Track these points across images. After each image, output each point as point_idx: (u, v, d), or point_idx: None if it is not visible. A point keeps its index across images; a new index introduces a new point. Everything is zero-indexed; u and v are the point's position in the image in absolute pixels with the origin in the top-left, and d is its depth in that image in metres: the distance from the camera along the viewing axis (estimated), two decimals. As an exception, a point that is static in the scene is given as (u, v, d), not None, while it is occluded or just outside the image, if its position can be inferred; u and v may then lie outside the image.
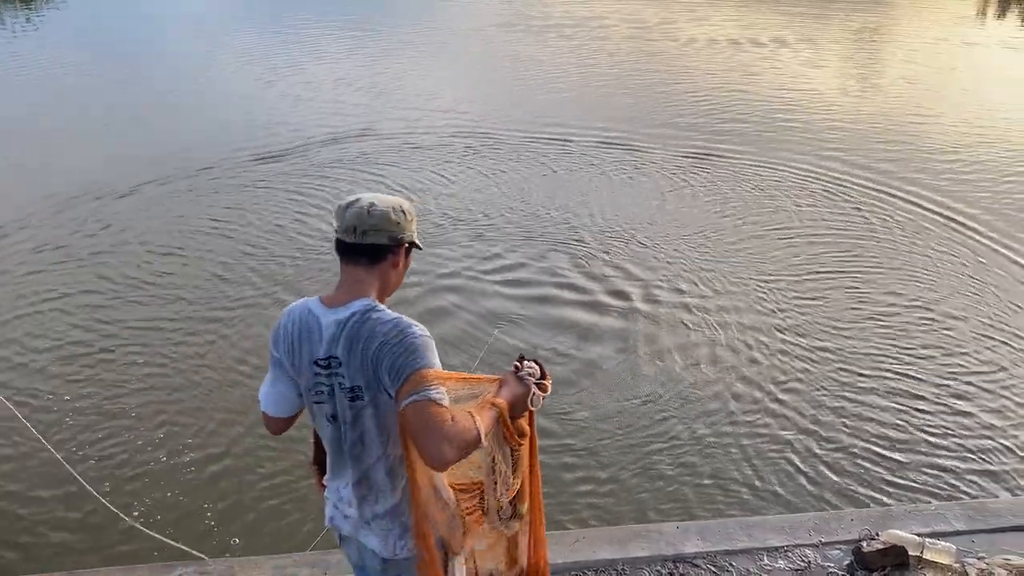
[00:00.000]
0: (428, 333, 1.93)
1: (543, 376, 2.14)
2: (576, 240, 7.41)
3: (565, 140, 10.41)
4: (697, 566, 3.40)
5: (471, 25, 19.02)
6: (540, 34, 17.68)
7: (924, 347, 5.82)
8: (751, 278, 6.73)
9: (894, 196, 8.55)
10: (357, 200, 1.99)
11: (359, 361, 1.91)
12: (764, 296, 6.47)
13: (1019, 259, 7.17)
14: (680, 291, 6.52)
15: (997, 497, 4.26)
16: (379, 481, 2.06)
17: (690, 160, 9.54)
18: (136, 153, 9.62)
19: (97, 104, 11.95)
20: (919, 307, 6.38)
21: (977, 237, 7.62)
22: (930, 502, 4.14)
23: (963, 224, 7.89)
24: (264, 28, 18.35)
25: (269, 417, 2.14)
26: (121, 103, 11.95)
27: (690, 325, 6.04)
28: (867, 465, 4.59)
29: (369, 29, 17.94)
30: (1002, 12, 22.22)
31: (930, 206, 8.26)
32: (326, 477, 2.20)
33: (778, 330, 5.98)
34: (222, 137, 10.31)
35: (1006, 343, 5.85)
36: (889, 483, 4.46)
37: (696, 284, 6.63)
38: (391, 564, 2.12)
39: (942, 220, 7.93)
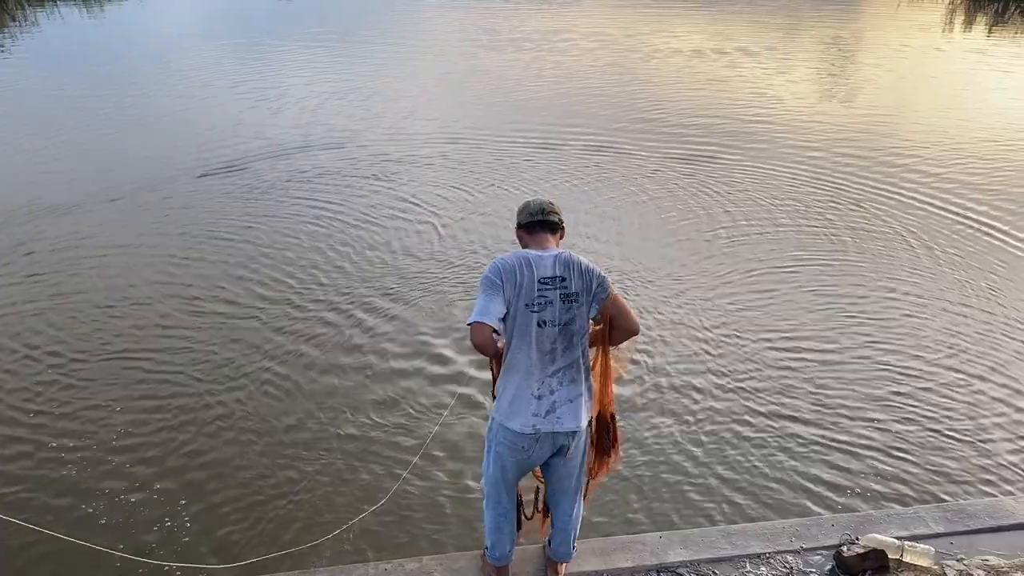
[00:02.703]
0: None
1: None
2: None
3: (533, 145, 10.68)
4: (680, 575, 3.41)
5: (443, 39, 19.18)
6: (501, 48, 17.94)
7: (903, 343, 5.91)
8: (708, 278, 6.83)
9: (873, 192, 8.78)
10: (537, 198, 3.22)
11: (578, 275, 2.97)
12: (713, 298, 6.56)
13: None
14: (646, 285, 6.60)
15: (975, 499, 4.31)
16: (582, 364, 3.02)
17: (670, 160, 9.70)
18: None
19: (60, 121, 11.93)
20: (897, 297, 6.53)
21: (962, 222, 7.90)
22: (909, 505, 4.18)
23: (938, 205, 8.23)
24: (233, 45, 18.49)
25: (482, 325, 2.87)
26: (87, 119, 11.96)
27: (656, 324, 6.10)
28: (847, 470, 4.63)
29: (338, 46, 18.12)
30: (968, 24, 22.66)
31: (909, 196, 8.53)
32: (515, 389, 2.99)
33: (744, 330, 6.06)
34: (183, 151, 10.50)
35: (985, 339, 5.95)
36: (870, 487, 4.50)
37: (661, 279, 6.71)
38: (579, 434, 3.04)
39: (918, 207, 8.12)
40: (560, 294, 2.93)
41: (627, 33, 19.70)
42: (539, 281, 2.93)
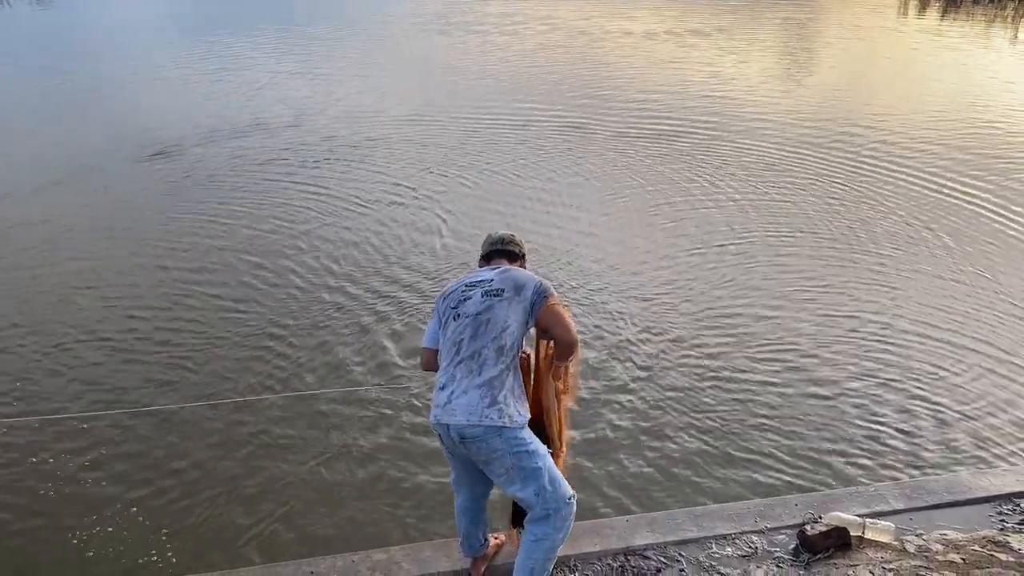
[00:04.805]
0: None
1: None
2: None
3: (484, 124, 10.84)
4: (647, 558, 3.42)
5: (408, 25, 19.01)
6: (449, 32, 17.96)
7: (856, 322, 5.97)
8: (665, 257, 6.87)
9: (832, 165, 8.94)
10: (497, 232, 3.35)
11: (510, 278, 3.01)
12: (674, 278, 6.61)
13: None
14: (607, 268, 6.62)
15: (933, 476, 4.39)
16: (487, 357, 2.87)
17: (617, 138, 9.75)
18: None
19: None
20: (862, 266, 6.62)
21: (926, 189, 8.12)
22: (870, 484, 4.25)
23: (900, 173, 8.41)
24: (183, 31, 18.21)
25: (423, 349, 3.15)
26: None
27: (613, 304, 6.12)
28: (809, 448, 4.68)
29: (288, 31, 17.89)
30: (923, 7, 23.02)
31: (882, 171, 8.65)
32: (436, 376, 3.00)
33: (700, 299, 6.13)
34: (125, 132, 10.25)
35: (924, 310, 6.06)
36: (831, 467, 4.56)
37: (622, 259, 6.74)
38: (469, 440, 2.81)
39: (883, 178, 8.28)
40: (482, 291, 3.00)
41: (580, 16, 19.74)
42: (466, 285, 3.06)
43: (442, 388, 2.91)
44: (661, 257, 7.04)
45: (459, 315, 2.97)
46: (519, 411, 2.88)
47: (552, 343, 3.07)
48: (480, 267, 3.27)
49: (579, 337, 3.00)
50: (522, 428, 2.87)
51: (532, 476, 2.85)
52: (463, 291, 3.03)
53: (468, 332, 2.92)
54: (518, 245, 3.32)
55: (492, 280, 3.02)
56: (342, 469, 4.52)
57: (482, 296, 2.97)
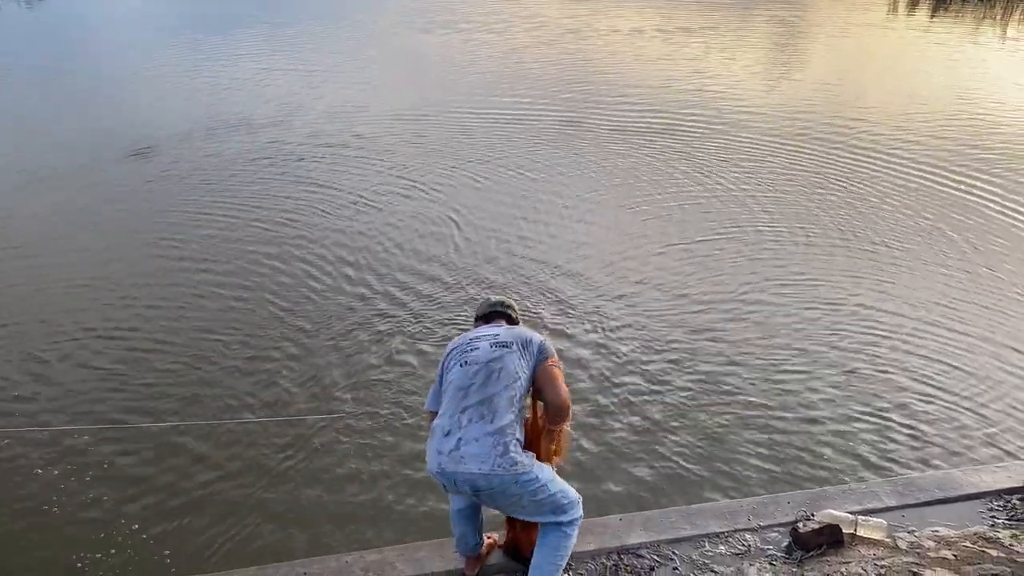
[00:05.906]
0: None
1: None
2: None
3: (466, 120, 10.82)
4: (641, 556, 3.43)
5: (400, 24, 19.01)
6: (432, 30, 18.00)
7: (843, 319, 5.99)
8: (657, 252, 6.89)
9: (823, 159, 8.96)
10: (495, 296, 3.46)
11: (515, 334, 3.08)
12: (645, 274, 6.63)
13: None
14: (597, 263, 6.63)
15: (925, 473, 4.41)
16: (499, 404, 2.86)
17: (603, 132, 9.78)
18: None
19: None
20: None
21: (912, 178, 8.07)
22: (862, 481, 4.26)
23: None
24: (172, 30, 18.23)
25: (432, 414, 3.06)
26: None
27: (605, 300, 6.13)
28: (802, 448, 4.71)
29: (273, 30, 17.91)
30: (913, 5, 23.10)
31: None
32: (434, 429, 2.92)
33: (688, 309, 6.13)
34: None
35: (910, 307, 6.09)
36: (824, 464, 4.58)
37: (603, 256, 6.75)
38: (484, 491, 2.81)
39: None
40: (490, 342, 3.05)
41: (566, 14, 19.77)
42: (472, 337, 3.12)
43: (447, 434, 2.85)
44: (656, 251, 7.05)
45: (467, 362, 2.99)
46: (528, 454, 2.91)
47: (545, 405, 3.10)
48: (477, 326, 3.32)
49: (570, 399, 3.02)
50: (532, 468, 2.87)
51: (548, 503, 2.95)
52: (470, 342, 3.07)
53: (479, 378, 2.92)
54: (514, 310, 3.40)
55: (499, 334, 3.08)
56: (340, 472, 4.52)
57: (491, 346, 3.02)
